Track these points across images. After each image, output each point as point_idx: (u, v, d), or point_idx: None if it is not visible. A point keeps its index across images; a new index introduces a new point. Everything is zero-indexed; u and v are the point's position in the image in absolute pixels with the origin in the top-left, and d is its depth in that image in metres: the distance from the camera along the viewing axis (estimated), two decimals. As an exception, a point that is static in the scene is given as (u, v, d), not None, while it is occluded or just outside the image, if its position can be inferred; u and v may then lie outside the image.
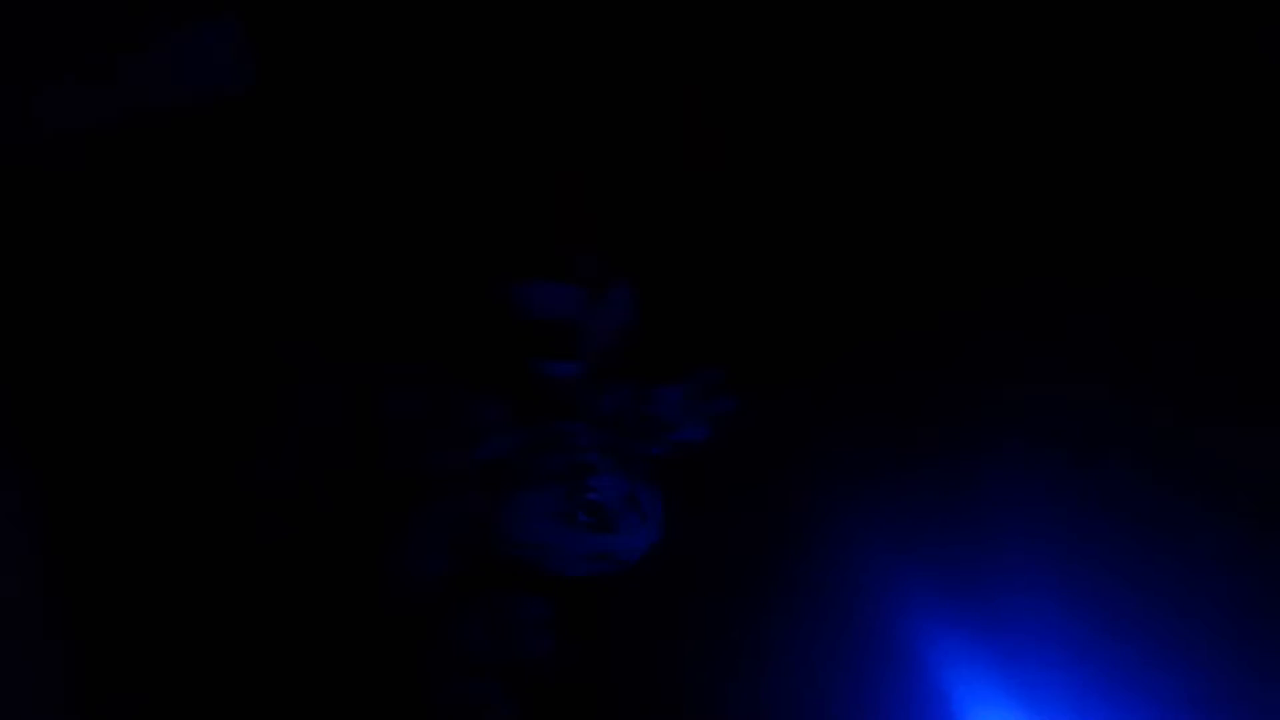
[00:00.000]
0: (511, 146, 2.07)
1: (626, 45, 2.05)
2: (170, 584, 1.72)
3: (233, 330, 2.01)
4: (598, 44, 2.04)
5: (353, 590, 1.72)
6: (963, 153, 2.10)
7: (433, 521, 1.76)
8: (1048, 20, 2.08)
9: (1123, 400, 1.77)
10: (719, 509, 1.82)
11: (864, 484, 1.79)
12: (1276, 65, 1.98)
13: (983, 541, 1.64)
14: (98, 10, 1.89)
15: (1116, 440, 1.71)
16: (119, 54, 1.89)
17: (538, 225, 2.05)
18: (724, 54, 2.09)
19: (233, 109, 1.96)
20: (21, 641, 1.52)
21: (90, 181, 1.95)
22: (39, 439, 1.74)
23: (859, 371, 1.98)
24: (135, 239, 1.97)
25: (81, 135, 1.89)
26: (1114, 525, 1.63)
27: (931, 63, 2.09)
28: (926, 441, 1.81)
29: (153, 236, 1.99)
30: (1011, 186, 2.08)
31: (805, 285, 2.08)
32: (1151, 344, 1.85)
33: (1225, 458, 1.63)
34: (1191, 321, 1.85)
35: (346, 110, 2.04)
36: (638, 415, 1.91)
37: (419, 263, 2.07)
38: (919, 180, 2.11)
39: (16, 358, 1.82)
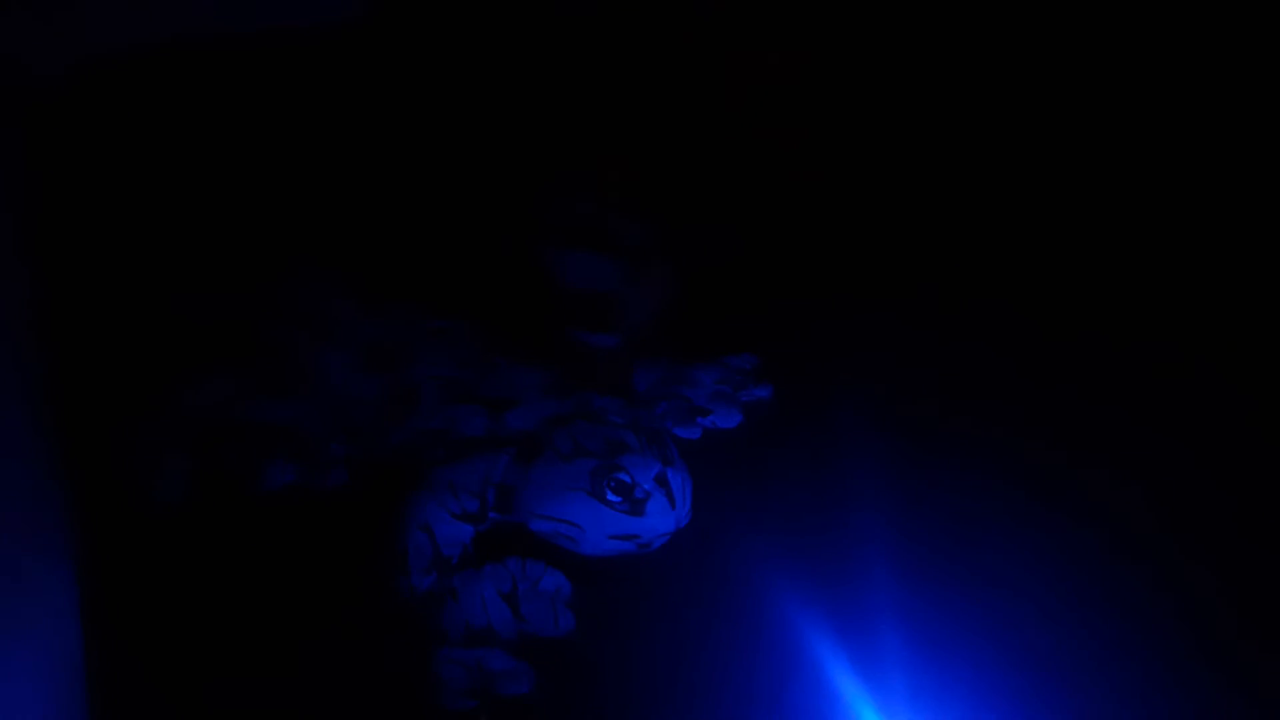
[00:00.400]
0: (558, 106, 2.03)
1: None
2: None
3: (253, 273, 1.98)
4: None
5: (368, 554, 1.68)
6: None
7: (455, 487, 1.72)
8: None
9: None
10: (747, 497, 1.79)
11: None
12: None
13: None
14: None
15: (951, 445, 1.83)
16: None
17: (583, 186, 2.01)
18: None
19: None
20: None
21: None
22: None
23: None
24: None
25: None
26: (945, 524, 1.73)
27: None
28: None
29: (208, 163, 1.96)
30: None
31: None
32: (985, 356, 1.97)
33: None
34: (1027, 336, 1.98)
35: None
36: (670, 396, 1.87)
37: (460, 219, 2.02)
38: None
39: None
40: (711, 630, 1.63)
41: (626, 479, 1.66)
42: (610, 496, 1.65)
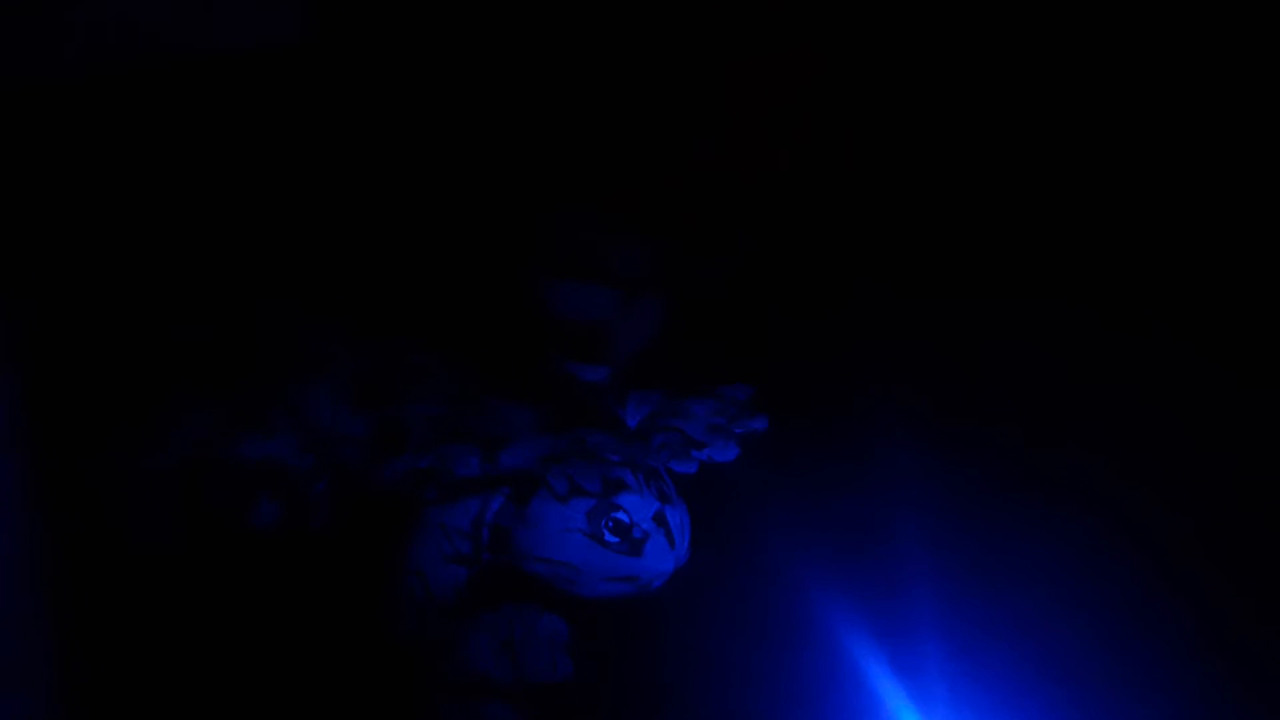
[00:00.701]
0: (555, 130, 1.99)
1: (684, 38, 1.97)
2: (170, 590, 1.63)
3: (240, 307, 1.92)
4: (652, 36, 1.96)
5: (358, 598, 1.64)
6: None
7: (448, 529, 1.68)
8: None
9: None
10: (746, 535, 1.76)
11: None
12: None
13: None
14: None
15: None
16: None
17: (575, 212, 1.97)
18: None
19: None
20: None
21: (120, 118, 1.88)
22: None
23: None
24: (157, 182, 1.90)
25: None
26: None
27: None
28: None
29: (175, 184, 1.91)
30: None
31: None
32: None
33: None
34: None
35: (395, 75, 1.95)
36: (665, 430, 1.84)
37: (446, 249, 1.98)
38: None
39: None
40: (716, 667, 1.60)
41: (625, 519, 1.63)
42: (608, 538, 1.62)
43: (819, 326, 2.00)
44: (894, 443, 1.81)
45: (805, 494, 1.80)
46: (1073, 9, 2.08)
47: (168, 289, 1.91)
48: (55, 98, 1.94)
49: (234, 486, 1.74)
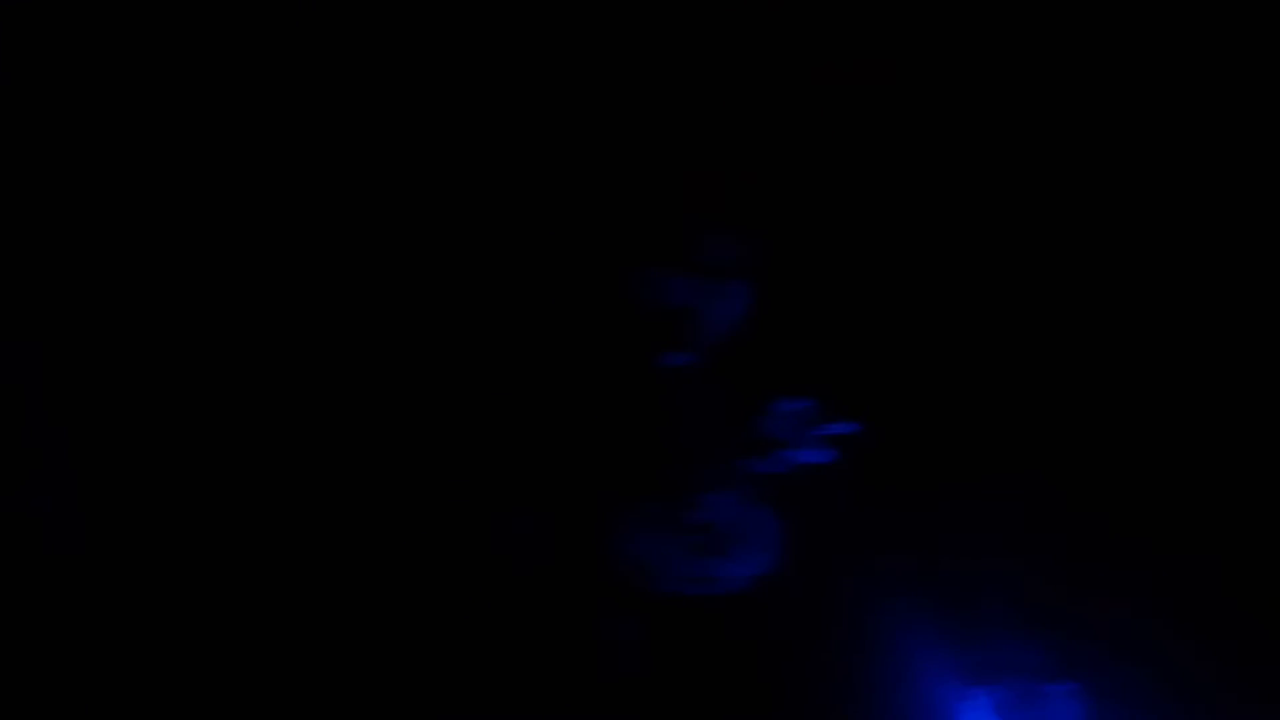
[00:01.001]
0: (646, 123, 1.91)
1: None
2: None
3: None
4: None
5: (443, 591, 1.59)
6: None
7: (533, 526, 1.62)
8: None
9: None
10: (833, 543, 1.68)
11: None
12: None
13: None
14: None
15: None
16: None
17: (665, 199, 1.89)
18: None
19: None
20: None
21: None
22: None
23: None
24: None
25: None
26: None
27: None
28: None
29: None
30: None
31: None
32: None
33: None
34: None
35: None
36: (754, 428, 1.76)
37: (534, 242, 1.91)
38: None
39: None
40: (797, 671, 1.54)
41: (707, 519, 1.56)
42: (690, 538, 1.56)
43: (926, 323, 1.89)
44: (999, 455, 1.72)
45: (897, 503, 1.72)
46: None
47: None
48: None
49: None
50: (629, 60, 1.91)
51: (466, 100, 1.90)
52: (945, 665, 1.54)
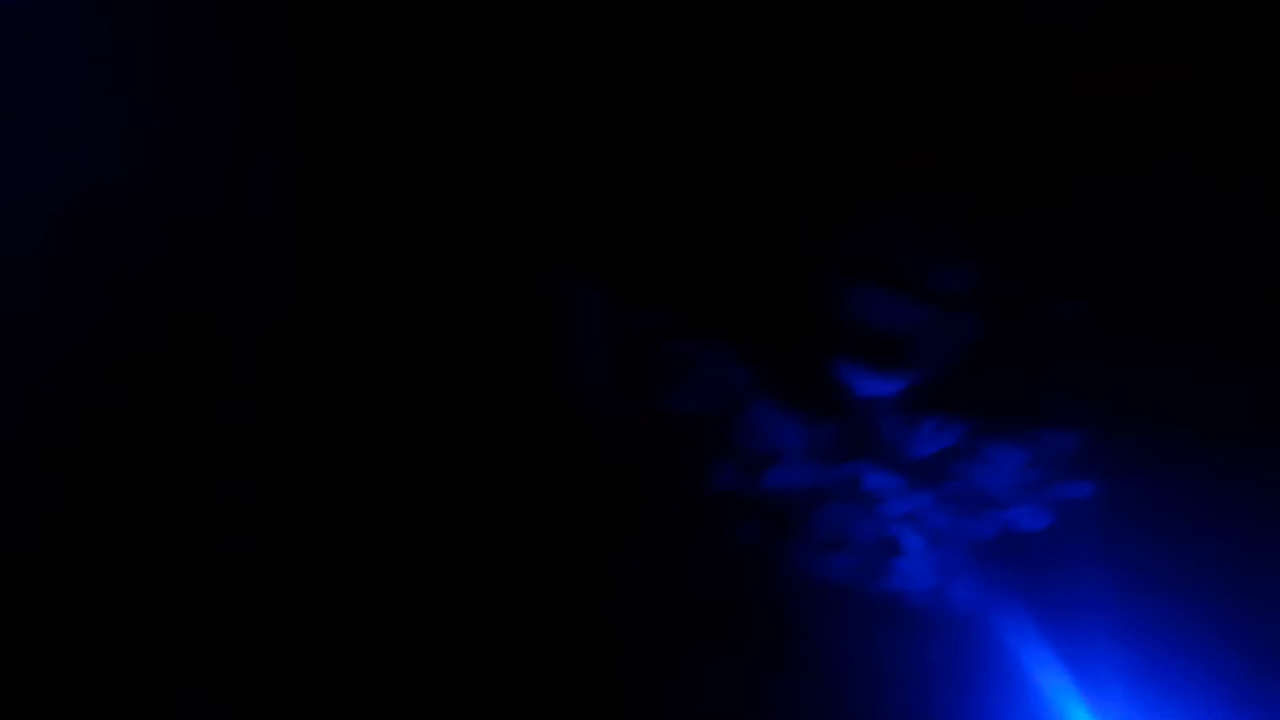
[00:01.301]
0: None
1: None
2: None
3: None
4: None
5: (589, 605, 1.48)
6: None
7: (695, 549, 1.47)
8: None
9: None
10: (1051, 627, 1.43)
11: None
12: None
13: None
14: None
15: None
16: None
17: (899, 215, 1.64)
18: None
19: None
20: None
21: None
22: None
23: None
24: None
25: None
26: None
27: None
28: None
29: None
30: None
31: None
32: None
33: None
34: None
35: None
36: (962, 478, 1.52)
37: (734, 226, 1.72)
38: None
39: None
40: None
41: (899, 588, 1.35)
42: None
43: (1178, 370, 1.57)
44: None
45: (1131, 583, 1.44)
46: None
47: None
48: None
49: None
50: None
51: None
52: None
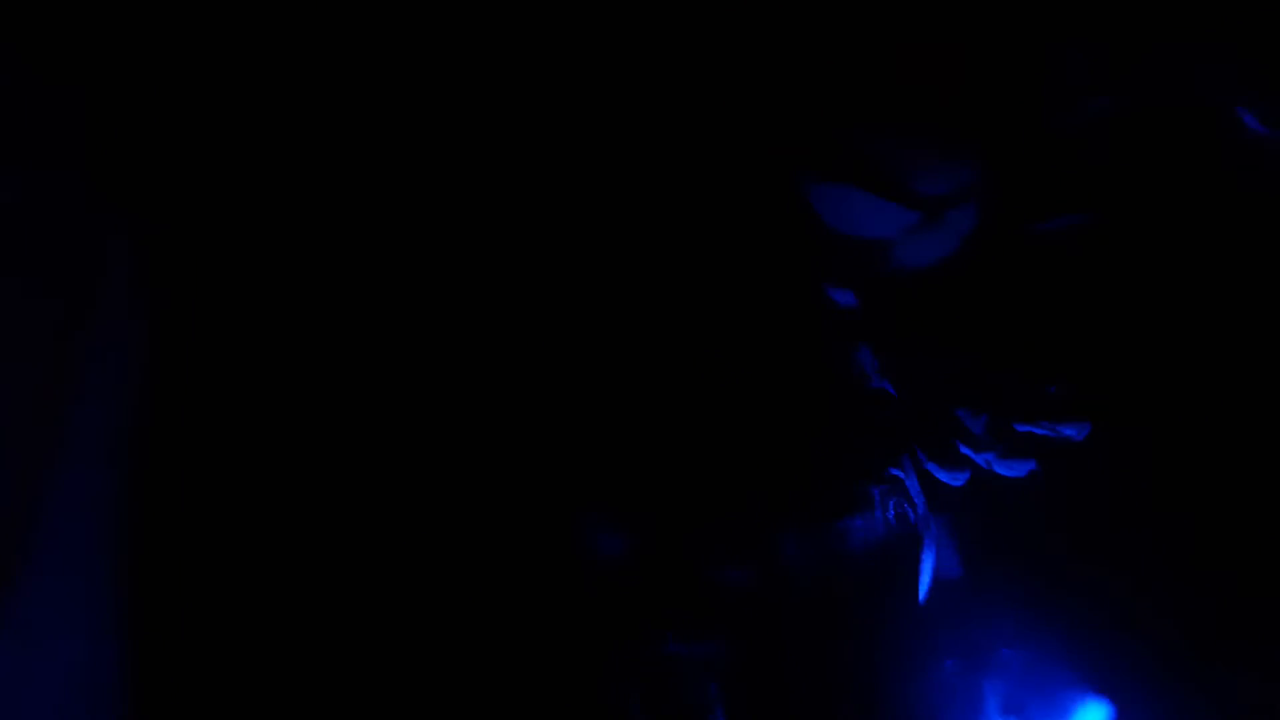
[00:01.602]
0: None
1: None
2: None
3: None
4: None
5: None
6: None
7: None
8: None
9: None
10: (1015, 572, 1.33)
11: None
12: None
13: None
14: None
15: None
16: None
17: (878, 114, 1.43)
18: None
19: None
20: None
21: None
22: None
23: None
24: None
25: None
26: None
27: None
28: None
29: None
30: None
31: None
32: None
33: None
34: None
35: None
36: (938, 418, 1.38)
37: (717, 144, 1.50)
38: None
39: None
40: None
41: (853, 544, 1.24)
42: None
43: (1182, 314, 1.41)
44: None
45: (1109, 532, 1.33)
46: None
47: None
48: None
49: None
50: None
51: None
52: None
